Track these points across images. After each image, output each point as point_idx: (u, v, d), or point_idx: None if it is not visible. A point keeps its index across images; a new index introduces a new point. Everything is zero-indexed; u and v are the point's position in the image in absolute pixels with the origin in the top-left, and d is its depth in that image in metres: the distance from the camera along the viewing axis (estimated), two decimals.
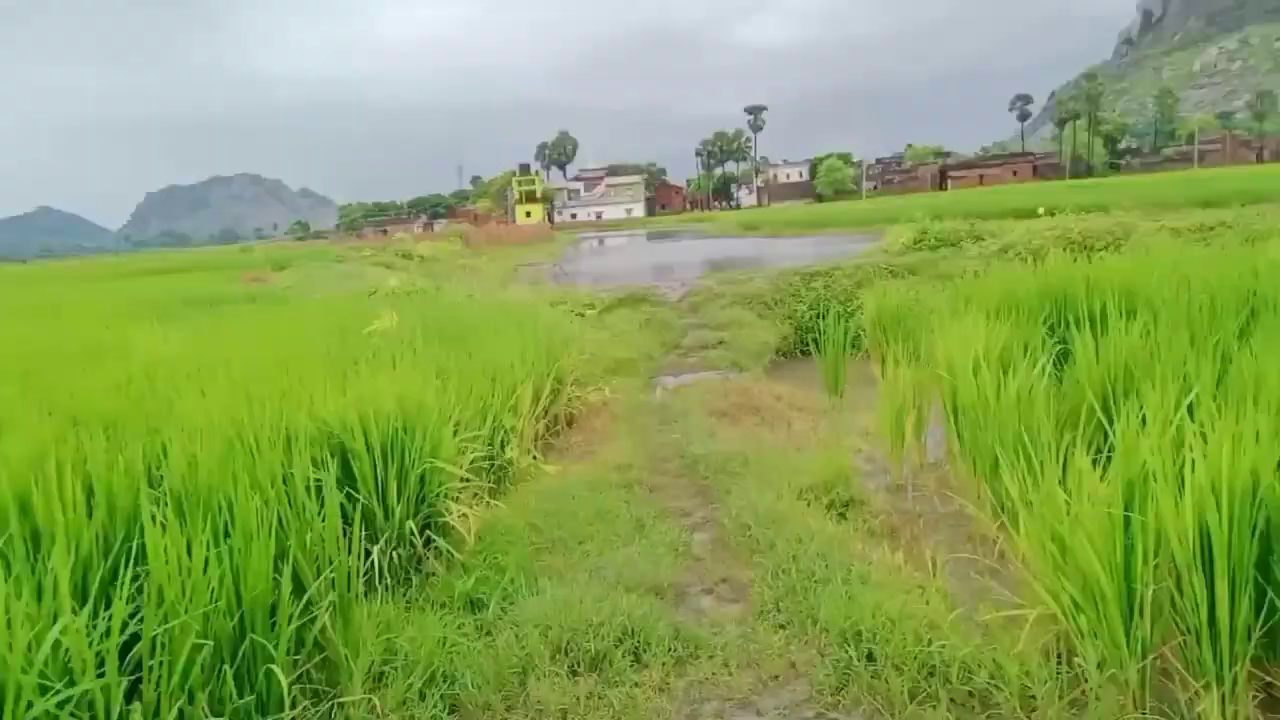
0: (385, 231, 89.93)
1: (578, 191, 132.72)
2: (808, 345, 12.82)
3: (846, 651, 3.62)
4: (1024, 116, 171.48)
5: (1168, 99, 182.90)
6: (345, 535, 3.75)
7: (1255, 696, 3.16)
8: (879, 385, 7.21)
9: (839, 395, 9.12)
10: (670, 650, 3.80)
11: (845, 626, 3.75)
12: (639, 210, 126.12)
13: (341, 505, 3.83)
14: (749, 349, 12.39)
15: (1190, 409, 3.87)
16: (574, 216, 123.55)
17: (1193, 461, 3.18)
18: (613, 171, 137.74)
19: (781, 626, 3.98)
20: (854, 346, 10.04)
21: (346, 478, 4.47)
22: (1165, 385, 4.08)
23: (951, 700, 3.30)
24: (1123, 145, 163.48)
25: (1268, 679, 3.22)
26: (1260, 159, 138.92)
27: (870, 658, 3.57)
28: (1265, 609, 3.11)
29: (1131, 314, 6.16)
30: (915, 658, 3.48)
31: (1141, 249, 10.06)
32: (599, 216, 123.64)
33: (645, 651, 3.78)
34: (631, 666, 3.70)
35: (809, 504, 5.61)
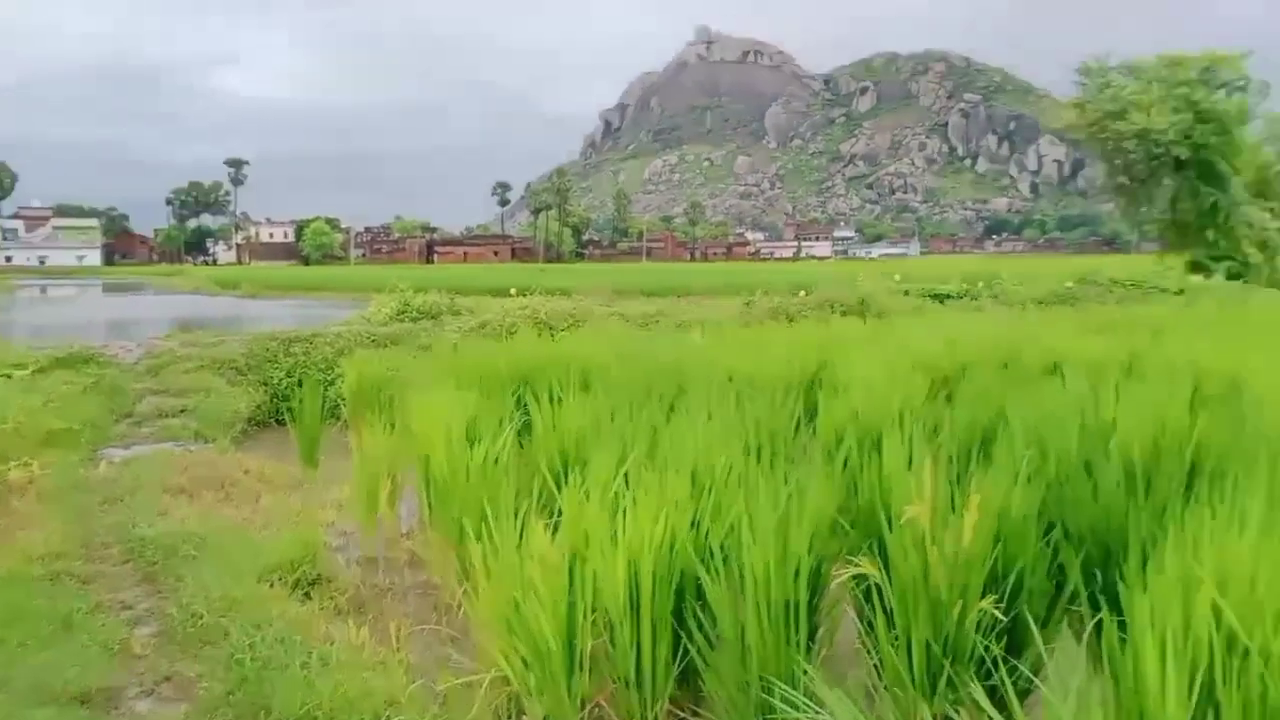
0: None
1: (15, 231, 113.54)
2: (283, 415, 12.19)
3: None
4: (504, 202, 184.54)
5: (623, 200, 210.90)
6: None
7: None
8: (355, 455, 7.08)
9: (314, 467, 8.77)
10: None
11: (301, 714, 3.54)
12: (94, 258, 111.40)
13: None
14: (217, 418, 11.42)
15: (628, 476, 4.37)
16: (9, 260, 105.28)
17: (624, 523, 3.57)
18: (61, 212, 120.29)
19: None
20: (333, 416, 9.77)
21: None
22: (607, 454, 4.55)
23: None
24: (587, 236, 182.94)
25: (682, 715, 3.68)
26: (693, 257, 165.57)
27: None
28: (680, 653, 3.57)
29: (586, 389, 6.83)
30: None
31: (597, 331, 11.27)
32: (42, 262, 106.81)
33: None
34: None
35: (271, 585, 5.25)
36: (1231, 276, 28.67)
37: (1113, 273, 22.93)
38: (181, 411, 11.37)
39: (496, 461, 5.45)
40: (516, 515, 4.52)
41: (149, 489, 7.54)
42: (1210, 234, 31.85)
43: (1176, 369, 6.54)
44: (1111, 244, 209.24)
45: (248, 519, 6.98)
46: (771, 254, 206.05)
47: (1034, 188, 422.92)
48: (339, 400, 9.72)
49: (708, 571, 3.48)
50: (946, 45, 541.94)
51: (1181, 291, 19.54)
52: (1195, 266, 30.72)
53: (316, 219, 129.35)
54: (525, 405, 7.18)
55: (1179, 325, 10.40)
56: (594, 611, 3.50)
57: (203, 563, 5.59)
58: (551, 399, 6.25)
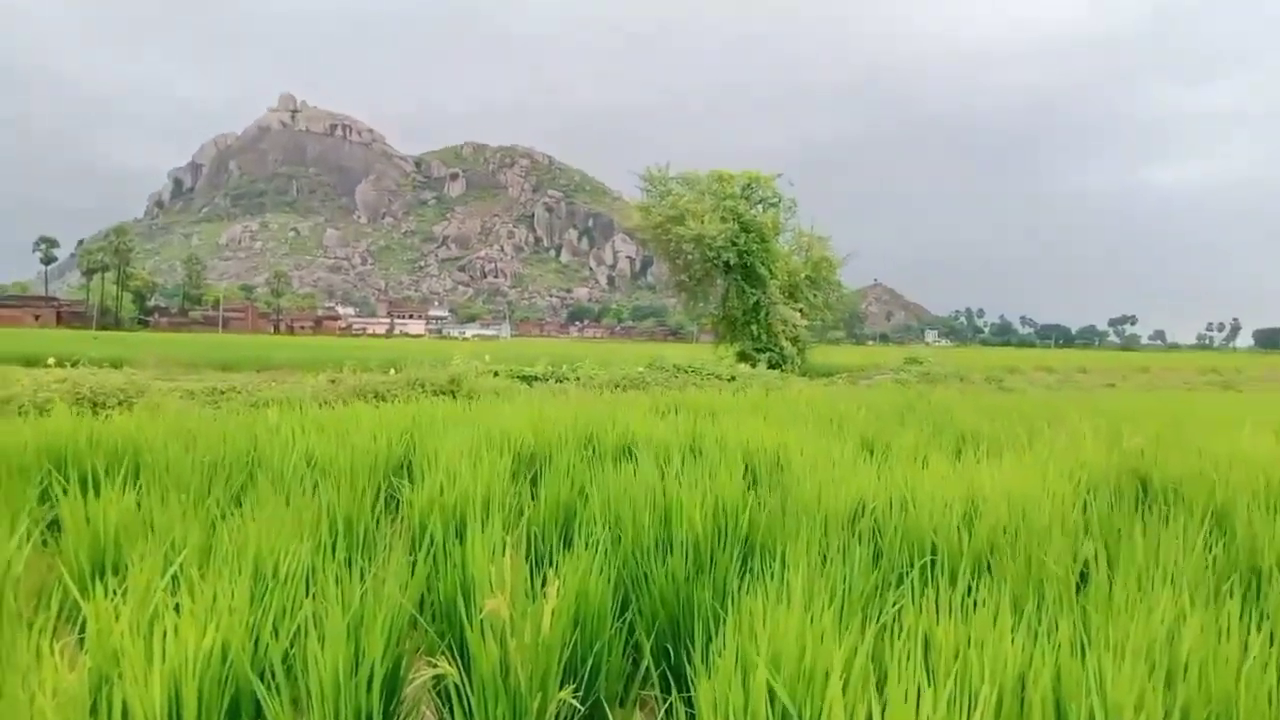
0: None
1: None
2: None
3: None
4: (49, 260, 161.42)
5: (196, 265, 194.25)
6: None
7: None
8: None
9: None
10: None
11: None
12: None
13: None
14: None
15: (176, 579, 3.78)
16: None
17: (164, 635, 3.04)
18: None
19: None
20: None
21: None
22: (152, 555, 3.92)
23: None
24: (152, 303, 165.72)
25: None
26: (278, 329, 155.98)
27: None
28: None
29: (135, 477, 5.94)
30: None
31: (153, 408, 9.98)
32: None
33: None
34: None
35: None
36: (772, 365, 33.09)
37: (677, 359, 25.28)
38: None
39: (9, 568, 4.48)
40: (30, 629, 3.71)
41: None
42: (754, 328, 36.69)
43: (731, 447, 7.21)
44: (676, 333, 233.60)
45: None
46: (365, 329, 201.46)
47: (610, 280, 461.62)
48: None
49: (266, 688, 3.06)
50: (530, 142, 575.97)
51: (734, 378, 22.01)
52: (743, 356, 35.02)
53: None
54: (56, 500, 6.08)
55: (732, 408, 11.59)
56: None
57: None
58: (86, 489, 5.32)
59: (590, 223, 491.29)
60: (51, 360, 14.29)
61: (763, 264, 37.12)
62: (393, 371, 17.32)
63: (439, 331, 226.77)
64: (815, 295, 39.97)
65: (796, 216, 41.01)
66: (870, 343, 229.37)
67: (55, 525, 5.58)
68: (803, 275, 39.84)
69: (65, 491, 5.45)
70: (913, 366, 32.43)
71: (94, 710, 2.99)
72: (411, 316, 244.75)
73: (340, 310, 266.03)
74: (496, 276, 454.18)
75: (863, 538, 4.53)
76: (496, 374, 20.43)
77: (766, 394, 14.72)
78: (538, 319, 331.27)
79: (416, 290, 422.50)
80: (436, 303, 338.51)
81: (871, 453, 7.64)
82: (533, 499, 5.83)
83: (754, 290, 37.00)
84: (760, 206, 39.31)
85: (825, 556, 3.90)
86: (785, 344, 36.86)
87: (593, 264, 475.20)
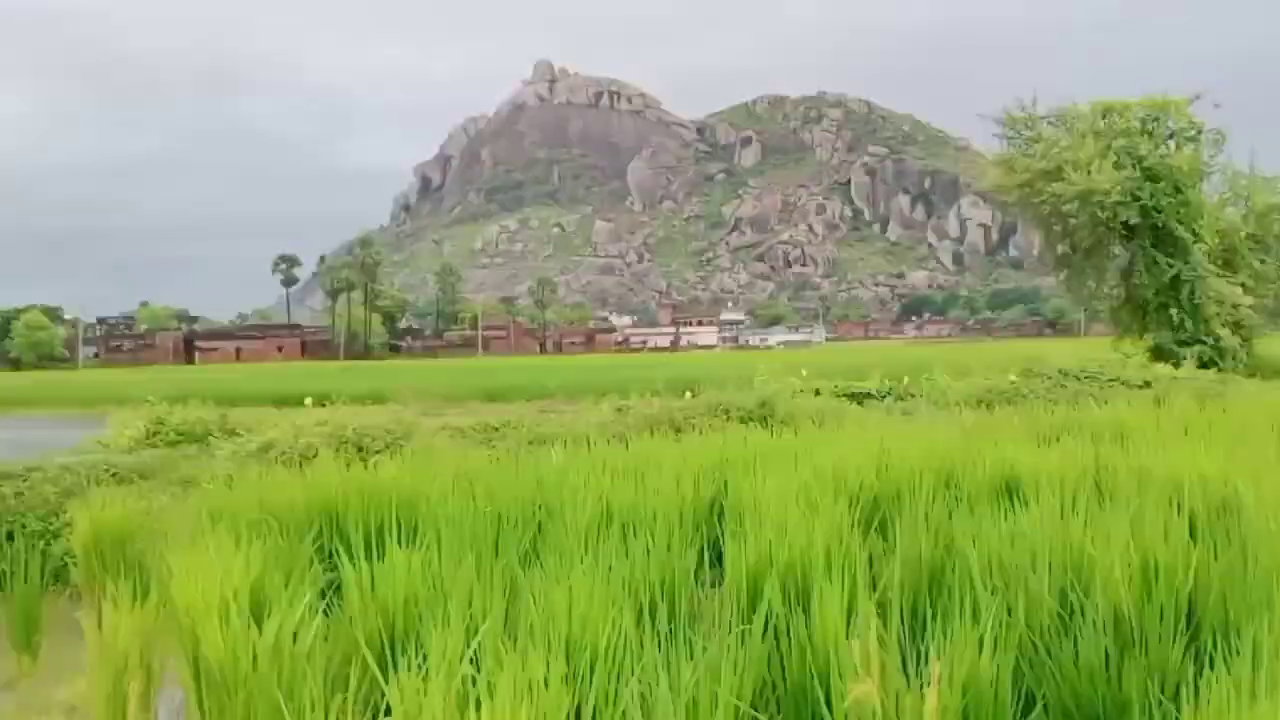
0: None
1: None
2: None
3: None
4: (290, 281, 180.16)
5: (450, 276, 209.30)
6: None
7: None
8: (92, 637, 6.64)
9: (33, 656, 8.19)
10: None
11: None
12: None
13: None
14: None
15: (477, 654, 4.22)
16: None
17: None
18: None
19: None
20: (58, 581, 9.20)
21: None
22: (450, 624, 4.40)
23: None
24: (403, 324, 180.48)
25: None
26: (544, 348, 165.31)
27: None
28: None
29: (414, 534, 6.64)
30: None
31: (424, 453, 11.07)
32: None
33: None
34: None
35: None
36: (1204, 364, 30.51)
37: (1061, 361, 24.16)
38: None
39: (295, 640, 5.20)
40: (327, 716, 4.29)
41: None
42: (1174, 313, 33.94)
43: (1155, 484, 6.87)
44: (1054, 325, 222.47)
45: None
46: (645, 343, 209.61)
47: (957, 258, 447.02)
48: (67, 559, 9.15)
49: None
50: (842, 88, 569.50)
51: (1148, 384, 20.73)
52: (1159, 352, 32.63)
53: (30, 308, 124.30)
54: (333, 559, 6.93)
55: (1151, 428, 10.99)
56: None
57: None
58: (369, 550, 6.04)
59: (927, 184, 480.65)
60: (309, 400, 16.27)
61: (1180, 222, 34.42)
62: (688, 395, 18.02)
63: (735, 340, 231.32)
64: (1263, 261, 36.67)
65: (1226, 153, 37.77)
66: None
67: (332, 588, 6.37)
68: (1242, 234, 36.69)
69: (344, 552, 6.22)
70: None
71: None
72: (700, 323, 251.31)
73: (615, 320, 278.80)
74: (804, 265, 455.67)
75: None
76: (817, 392, 20.64)
77: (1200, 405, 13.77)
78: (861, 317, 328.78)
79: (705, 289, 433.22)
80: (730, 304, 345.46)
81: None
82: (886, 557, 5.90)
83: (1170, 260, 34.36)
84: (1171, 143, 36.63)
85: None
86: (1222, 332, 33.94)
87: (932, 238, 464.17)
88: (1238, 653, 3.11)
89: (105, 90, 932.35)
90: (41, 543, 9.91)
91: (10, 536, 11.69)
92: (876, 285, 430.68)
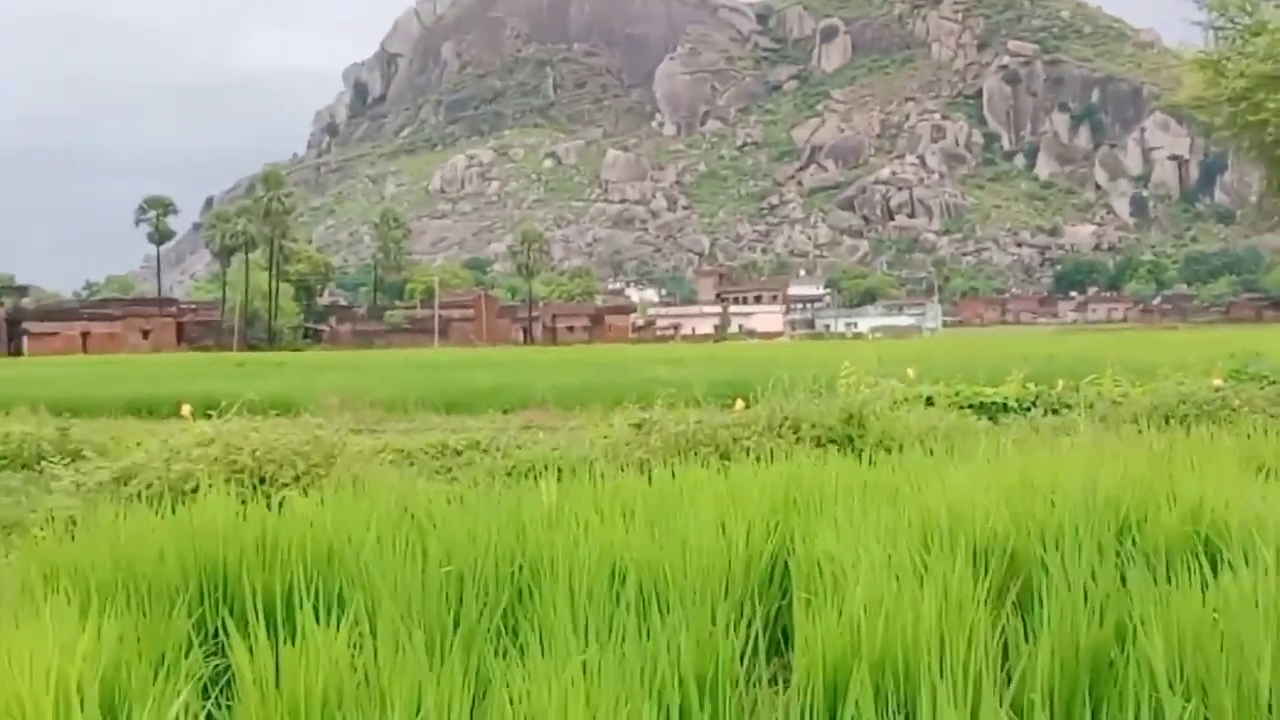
0: None
1: None
2: None
3: None
4: (162, 237, 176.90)
5: (394, 230, 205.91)
6: None
7: None
8: None
9: None
10: None
11: None
12: None
13: None
14: None
15: None
16: None
17: None
18: None
19: None
20: None
21: None
22: None
23: None
24: (325, 300, 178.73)
25: None
26: (530, 336, 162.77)
27: None
28: None
29: (338, 604, 6.63)
30: None
31: (354, 487, 11.04)
32: None
33: None
34: None
35: None
36: None
37: None
38: None
39: None
40: None
41: None
42: None
43: None
44: (1279, 306, 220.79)
45: None
46: (676, 329, 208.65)
47: (1138, 205, 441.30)
48: None
49: None
50: None
51: None
52: None
53: None
54: (219, 639, 6.93)
55: None
56: None
57: None
58: (272, 627, 6.05)
59: (1095, 97, 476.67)
60: (187, 409, 16.14)
61: None
62: (740, 405, 17.95)
63: (810, 325, 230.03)
64: None
65: None
66: None
67: (219, 682, 6.38)
68: None
69: (236, 629, 6.22)
70: None
71: None
72: (759, 299, 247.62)
73: (634, 295, 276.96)
74: (913, 216, 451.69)
75: None
76: (930, 402, 20.55)
77: None
78: (995, 292, 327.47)
79: (766, 250, 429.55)
80: (802, 272, 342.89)
81: None
82: (1026, 640, 5.85)
83: None
84: None
85: None
86: None
87: (1102, 177, 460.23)
88: None
89: None
90: None
91: None
92: (1018, 246, 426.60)
